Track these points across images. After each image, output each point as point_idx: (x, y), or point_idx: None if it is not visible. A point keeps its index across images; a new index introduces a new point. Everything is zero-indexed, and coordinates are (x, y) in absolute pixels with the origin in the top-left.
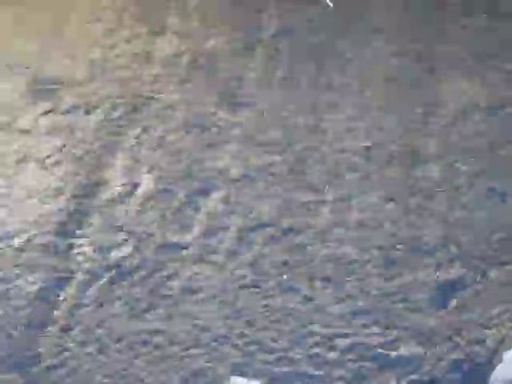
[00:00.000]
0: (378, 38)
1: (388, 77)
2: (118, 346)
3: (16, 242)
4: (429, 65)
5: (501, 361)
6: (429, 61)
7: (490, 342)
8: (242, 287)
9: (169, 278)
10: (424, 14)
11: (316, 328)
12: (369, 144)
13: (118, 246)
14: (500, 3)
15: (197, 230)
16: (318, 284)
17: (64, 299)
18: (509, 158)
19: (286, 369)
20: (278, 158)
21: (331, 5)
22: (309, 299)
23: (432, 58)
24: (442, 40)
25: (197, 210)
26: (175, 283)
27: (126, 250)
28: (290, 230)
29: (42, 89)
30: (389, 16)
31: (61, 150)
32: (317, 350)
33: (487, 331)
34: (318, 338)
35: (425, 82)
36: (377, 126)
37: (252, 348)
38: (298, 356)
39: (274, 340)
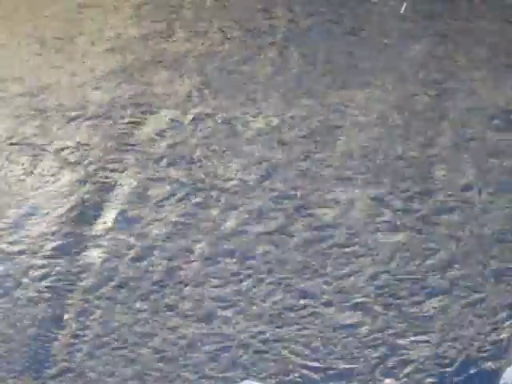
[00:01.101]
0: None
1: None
2: (125, 348)
3: (26, 246)
4: None
5: (511, 363)
6: None
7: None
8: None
9: (180, 282)
10: None
11: None
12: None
13: (129, 250)
14: None
15: (205, 238)
16: None
17: (74, 304)
18: None
19: None
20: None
21: (404, 8)
22: None
23: None
24: None
25: (207, 218)
26: (186, 287)
27: (136, 254)
28: None
29: None
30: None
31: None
32: None
33: (497, 333)
34: None
35: None
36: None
37: None
38: None
39: None
